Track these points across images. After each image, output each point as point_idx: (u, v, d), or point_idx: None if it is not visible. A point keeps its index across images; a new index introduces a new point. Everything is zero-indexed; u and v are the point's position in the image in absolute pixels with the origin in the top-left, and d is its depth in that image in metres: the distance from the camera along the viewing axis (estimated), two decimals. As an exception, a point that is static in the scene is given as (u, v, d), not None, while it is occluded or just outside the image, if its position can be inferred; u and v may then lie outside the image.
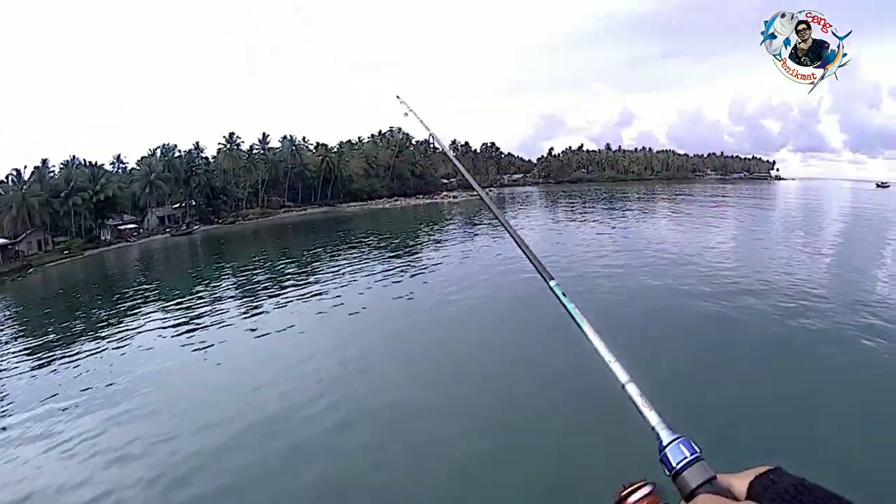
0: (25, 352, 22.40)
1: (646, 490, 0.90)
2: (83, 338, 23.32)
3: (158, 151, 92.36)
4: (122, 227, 79.78)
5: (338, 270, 32.46)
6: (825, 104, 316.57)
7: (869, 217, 55.47)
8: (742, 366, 13.66)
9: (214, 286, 32.95)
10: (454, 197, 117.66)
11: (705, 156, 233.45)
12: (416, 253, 39.10)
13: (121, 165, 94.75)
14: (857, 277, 23.46)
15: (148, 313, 26.56)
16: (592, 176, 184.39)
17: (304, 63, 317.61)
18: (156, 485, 10.29)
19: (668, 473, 0.83)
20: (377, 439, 11.20)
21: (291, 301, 25.31)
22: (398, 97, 3.20)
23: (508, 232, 1.61)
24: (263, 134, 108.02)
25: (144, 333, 22.47)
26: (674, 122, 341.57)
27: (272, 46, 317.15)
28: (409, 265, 32.77)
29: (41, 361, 20.38)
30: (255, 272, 36.46)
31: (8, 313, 33.99)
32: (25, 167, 74.34)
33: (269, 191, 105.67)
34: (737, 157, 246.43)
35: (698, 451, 0.84)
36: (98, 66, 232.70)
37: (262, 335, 20.20)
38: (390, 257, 37.16)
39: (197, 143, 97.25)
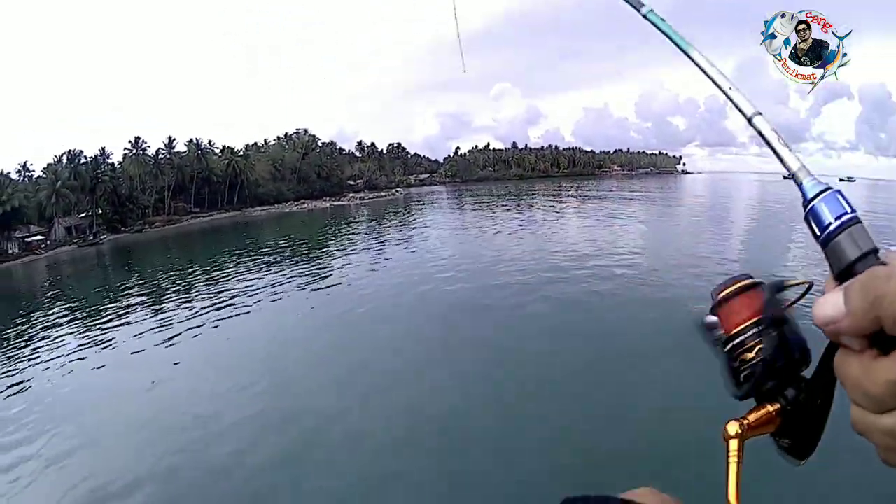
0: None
1: (750, 285, 0.75)
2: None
3: (64, 158, 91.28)
4: (30, 238, 79.42)
5: (246, 279, 32.37)
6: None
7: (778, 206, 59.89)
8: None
9: (124, 301, 31.88)
10: (361, 198, 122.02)
11: (612, 152, 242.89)
12: (326, 258, 39.68)
13: (27, 174, 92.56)
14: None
15: (58, 330, 26.18)
16: (499, 174, 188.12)
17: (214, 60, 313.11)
18: None
19: (816, 236, 0.63)
20: (289, 447, 11.37)
21: (202, 312, 25.19)
22: None
23: None
24: (169, 138, 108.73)
25: (54, 352, 22.17)
26: (580, 119, 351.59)
27: (176, 39, 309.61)
28: (318, 271, 33.20)
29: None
30: (163, 284, 36.61)
31: None
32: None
33: (176, 197, 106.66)
34: (643, 152, 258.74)
35: (854, 210, 0.62)
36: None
37: (173, 345, 20.58)
38: (299, 263, 37.22)
39: (103, 148, 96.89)
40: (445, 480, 9.63)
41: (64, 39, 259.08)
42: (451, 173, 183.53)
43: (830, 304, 0.54)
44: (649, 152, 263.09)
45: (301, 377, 15.60)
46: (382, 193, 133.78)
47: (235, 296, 27.58)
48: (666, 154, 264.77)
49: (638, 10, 1.09)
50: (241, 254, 46.24)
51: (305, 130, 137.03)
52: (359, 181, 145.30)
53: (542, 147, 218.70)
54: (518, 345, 15.89)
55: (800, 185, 0.68)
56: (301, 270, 33.71)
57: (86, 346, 22.37)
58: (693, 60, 0.93)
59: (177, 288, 34.40)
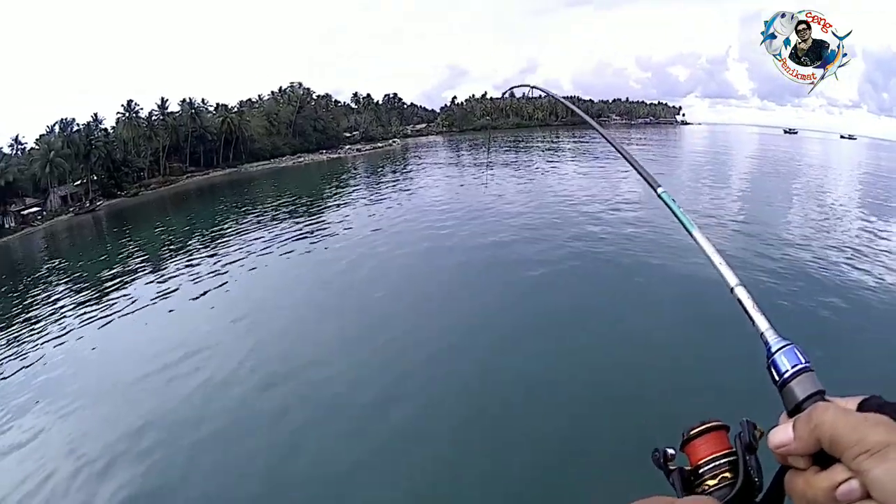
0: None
1: (715, 427, 0.90)
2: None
3: (56, 127, 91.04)
4: (26, 211, 79.98)
5: (243, 237, 32.90)
6: (734, 52, 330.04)
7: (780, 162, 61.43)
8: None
9: (124, 267, 32.25)
10: (358, 150, 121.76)
11: (611, 101, 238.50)
12: (323, 213, 39.34)
13: (19, 147, 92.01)
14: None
15: (60, 302, 26.68)
16: (497, 123, 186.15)
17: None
18: (79, 474, 10.84)
19: (775, 382, 0.79)
20: (293, 404, 11.80)
21: (201, 273, 25.64)
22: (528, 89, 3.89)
23: (614, 146, 1.71)
24: (162, 99, 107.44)
25: (58, 325, 22.68)
26: (580, 69, 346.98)
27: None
28: (314, 227, 33.05)
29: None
30: (159, 246, 36.85)
31: None
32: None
33: (171, 157, 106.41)
34: (642, 102, 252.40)
35: (808, 362, 0.79)
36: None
37: (175, 310, 21.00)
38: (296, 219, 37.18)
39: (95, 114, 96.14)
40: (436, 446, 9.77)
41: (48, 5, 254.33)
42: (448, 123, 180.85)
43: (782, 432, 0.68)
44: (648, 102, 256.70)
45: (297, 336, 15.95)
46: (379, 145, 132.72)
47: (233, 255, 28.01)
48: (665, 104, 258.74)
49: (654, 190, 1.34)
50: (237, 211, 47.14)
51: (300, 84, 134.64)
52: (355, 133, 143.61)
53: (540, 96, 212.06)
54: (516, 308, 16.03)
55: (766, 342, 0.83)
56: (298, 226, 33.90)
57: (85, 315, 22.87)
58: (695, 240, 1.12)
59: (174, 249, 34.73)
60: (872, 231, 23.99)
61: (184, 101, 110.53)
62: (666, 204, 1.27)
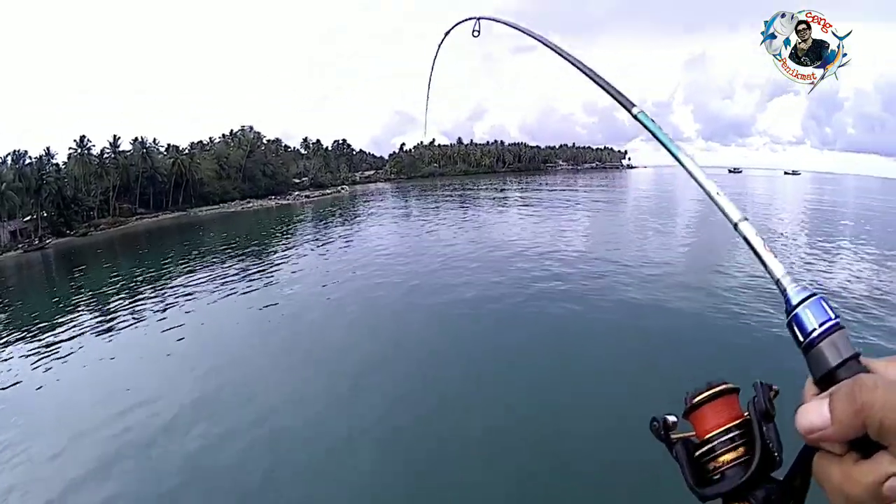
0: None
1: (725, 391, 0.75)
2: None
3: (9, 159, 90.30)
4: None
5: (190, 281, 32.81)
6: (679, 97, 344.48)
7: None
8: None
9: (68, 307, 31.72)
10: (307, 196, 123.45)
11: (557, 147, 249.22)
12: (273, 259, 39.46)
13: None
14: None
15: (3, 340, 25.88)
16: (444, 170, 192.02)
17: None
18: None
19: (799, 343, 0.64)
20: (244, 450, 11.53)
21: (149, 319, 25.19)
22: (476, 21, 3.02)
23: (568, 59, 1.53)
24: (114, 136, 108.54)
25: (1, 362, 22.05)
26: (526, 115, 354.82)
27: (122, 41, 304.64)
28: (262, 271, 33.46)
29: None
30: (111, 290, 35.67)
31: None
32: None
33: (121, 197, 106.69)
34: (589, 147, 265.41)
35: (837, 317, 0.64)
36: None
37: (116, 355, 20.50)
38: (244, 263, 37.56)
39: (48, 148, 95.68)
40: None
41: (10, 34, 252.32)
42: (396, 170, 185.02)
43: (815, 412, 0.55)
44: (595, 147, 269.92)
45: (245, 379, 15.81)
46: (328, 191, 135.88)
47: (182, 300, 27.84)
48: (612, 149, 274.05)
49: (629, 111, 1.26)
50: (187, 256, 46.84)
51: (251, 128, 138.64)
52: (304, 179, 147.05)
53: (488, 142, 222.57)
54: (464, 345, 16.56)
55: (783, 292, 0.69)
56: (245, 270, 34.36)
57: (30, 354, 22.29)
58: (680, 162, 0.98)
59: (123, 293, 33.82)
60: (824, 259, 25.81)
61: (136, 139, 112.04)
62: (643, 125, 1.19)
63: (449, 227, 46.53)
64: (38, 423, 14.73)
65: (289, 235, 56.20)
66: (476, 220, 51.65)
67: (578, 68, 1.50)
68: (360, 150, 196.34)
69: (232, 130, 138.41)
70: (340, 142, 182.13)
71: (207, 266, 38.67)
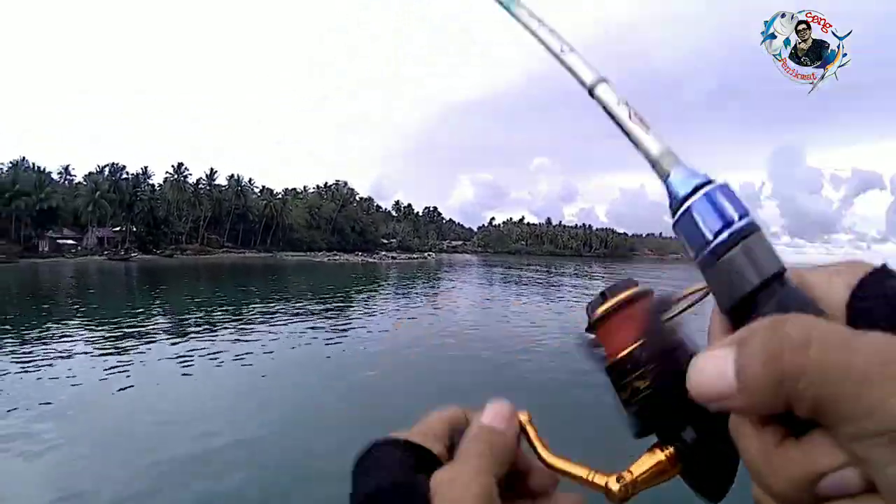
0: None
1: (634, 296, 0.53)
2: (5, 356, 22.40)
3: (107, 170, 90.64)
4: (62, 240, 78.20)
5: (269, 322, 30.43)
6: (766, 189, 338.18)
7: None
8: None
9: (145, 320, 30.79)
10: (393, 258, 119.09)
11: (644, 235, 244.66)
12: (350, 314, 36.20)
13: (68, 177, 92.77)
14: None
15: (75, 338, 24.50)
16: (531, 249, 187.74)
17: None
18: None
19: (695, 249, 0.42)
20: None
21: (218, 346, 23.72)
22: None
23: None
24: (211, 169, 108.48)
25: (69, 358, 20.97)
26: (616, 200, 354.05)
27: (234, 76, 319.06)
28: (341, 326, 31.78)
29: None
30: (187, 312, 34.35)
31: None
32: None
33: (210, 228, 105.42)
34: (674, 238, 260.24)
35: (749, 212, 0.40)
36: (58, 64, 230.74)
37: (184, 374, 19.31)
38: (324, 315, 34.57)
39: (145, 167, 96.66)
40: None
41: (121, 55, 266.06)
42: (483, 243, 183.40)
43: (715, 370, 0.33)
44: None
45: (299, 426, 13.80)
46: (414, 255, 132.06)
47: (257, 337, 25.61)
48: None
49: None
50: (268, 295, 45.10)
51: (345, 183, 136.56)
52: (392, 240, 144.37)
53: (576, 225, 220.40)
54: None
55: (665, 178, 0.46)
56: (325, 319, 31.77)
57: (93, 355, 21.06)
58: (515, 17, 0.59)
59: (198, 318, 32.09)
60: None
61: (231, 176, 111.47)
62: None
63: (535, 312, 41.58)
64: (96, 427, 13.48)
65: (372, 293, 52.69)
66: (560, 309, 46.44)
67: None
68: (450, 220, 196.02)
69: (326, 183, 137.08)
70: (431, 209, 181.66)
71: (287, 308, 36.10)
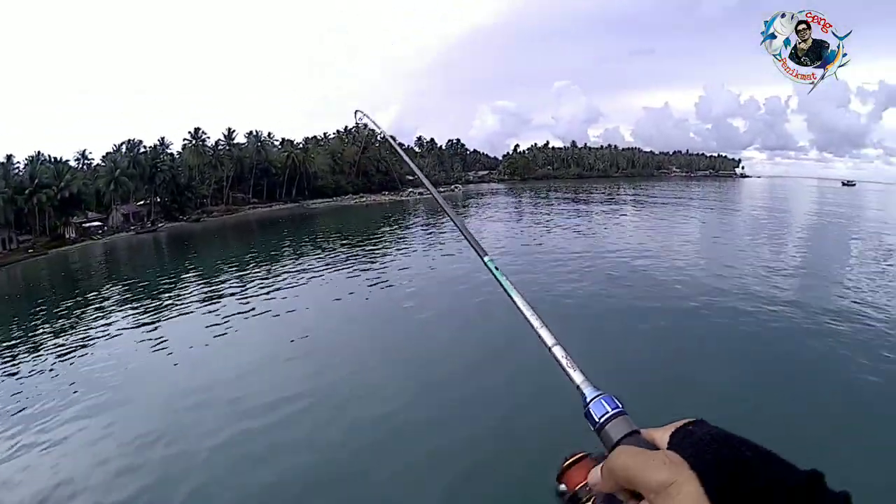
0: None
1: (582, 457, 0.97)
2: (50, 337, 23.49)
3: (123, 147, 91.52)
4: (87, 224, 79.47)
5: (301, 271, 32.62)
6: (793, 103, 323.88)
7: (837, 215, 57.94)
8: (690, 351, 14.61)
9: (180, 287, 32.74)
10: (420, 193, 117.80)
11: (671, 153, 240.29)
12: (380, 253, 38.79)
13: (85, 162, 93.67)
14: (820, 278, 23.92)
15: (112, 313, 26.70)
16: (558, 173, 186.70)
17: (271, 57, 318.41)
18: (131, 483, 10.39)
19: (593, 429, 0.81)
20: (337, 434, 11.40)
21: (255, 302, 25.29)
22: (357, 112, 3.65)
23: (449, 217, 1.75)
24: (229, 129, 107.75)
25: (109, 335, 22.52)
26: (640, 119, 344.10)
27: (240, 39, 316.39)
28: (372, 266, 32.60)
29: (6, 363, 20.35)
30: (219, 273, 36.37)
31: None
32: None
33: (234, 188, 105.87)
34: (702, 154, 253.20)
35: (621, 406, 0.81)
36: (62, 53, 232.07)
37: (223, 334, 20.57)
38: (355, 257, 37.14)
39: (162, 138, 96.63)
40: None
41: (124, 30, 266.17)
42: (509, 171, 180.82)
43: (594, 473, 0.73)
44: (708, 154, 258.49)
45: (338, 370, 15.49)
46: (441, 189, 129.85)
47: (290, 288, 27.93)
48: (725, 157, 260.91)
49: (482, 259, 1.31)
50: (298, 246, 47.30)
51: (365, 125, 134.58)
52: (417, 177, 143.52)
53: (601, 146, 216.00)
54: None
55: (582, 393, 0.85)
56: (356, 263, 34.03)
57: (135, 324, 23.51)
58: (516, 304, 1.10)
59: (231, 276, 34.40)
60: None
61: (250, 133, 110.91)
62: (490, 270, 1.27)
63: (564, 235, 43.44)
64: (135, 384, 15.83)
65: (402, 230, 56.10)
66: (591, 230, 47.61)
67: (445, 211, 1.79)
68: (475, 151, 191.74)
69: (346, 127, 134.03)
70: (454, 141, 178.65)
71: (314, 257, 38.80)
